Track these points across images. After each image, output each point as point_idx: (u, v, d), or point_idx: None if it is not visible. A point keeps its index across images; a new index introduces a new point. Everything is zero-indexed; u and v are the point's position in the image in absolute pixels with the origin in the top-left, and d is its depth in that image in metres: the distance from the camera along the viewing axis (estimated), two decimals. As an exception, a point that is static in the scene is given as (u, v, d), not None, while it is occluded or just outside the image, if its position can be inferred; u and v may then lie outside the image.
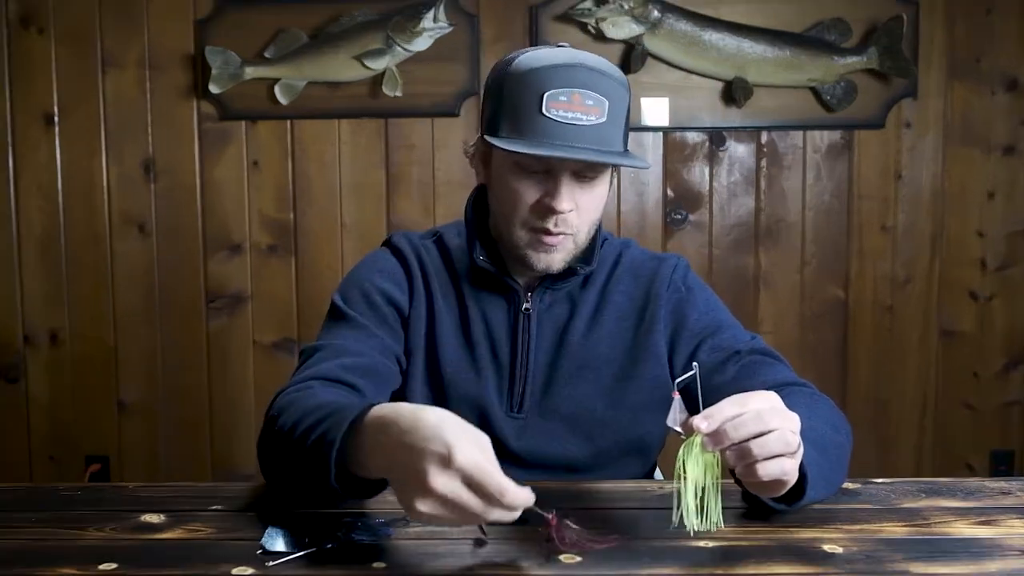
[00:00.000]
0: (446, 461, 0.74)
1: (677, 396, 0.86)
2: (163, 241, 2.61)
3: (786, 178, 2.57)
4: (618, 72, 1.11)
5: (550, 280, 1.17)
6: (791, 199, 2.57)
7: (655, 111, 2.53)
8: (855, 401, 2.61)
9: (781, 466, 0.81)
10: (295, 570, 0.83)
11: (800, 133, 2.56)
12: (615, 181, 2.57)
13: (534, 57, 1.09)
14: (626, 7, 2.44)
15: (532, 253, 1.12)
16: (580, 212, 1.11)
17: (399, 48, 2.46)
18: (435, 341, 1.18)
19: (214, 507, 1.00)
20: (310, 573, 0.83)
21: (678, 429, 0.85)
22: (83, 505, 1.02)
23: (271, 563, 0.84)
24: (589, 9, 2.45)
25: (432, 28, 2.43)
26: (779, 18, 2.50)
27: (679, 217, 2.57)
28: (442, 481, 0.74)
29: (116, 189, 2.60)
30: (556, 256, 1.12)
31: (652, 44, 2.47)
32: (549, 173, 1.08)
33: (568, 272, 1.17)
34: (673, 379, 1.17)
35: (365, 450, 0.83)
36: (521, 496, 0.75)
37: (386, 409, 0.83)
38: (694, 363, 0.91)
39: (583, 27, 2.48)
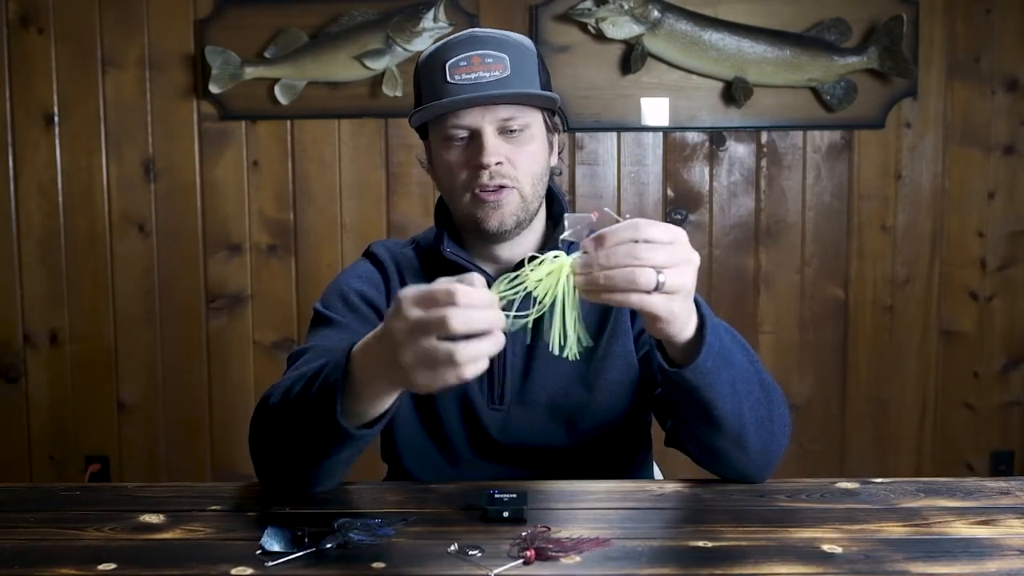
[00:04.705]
0: (396, 310, 0.80)
1: (594, 216, 0.83)
2: (163, 241, 2.60)
3: (786, 178, 2.57)
4: (518, 35, 1.17)
5: (519, 268, 1.18)
6: (791, 199, 2.57)
7: (655, 111, 2.53)
8: (855, 401, 2.61)
9: (641, 301, 0.83)
10: (294, 570, 0.83)
11: (800, 133, 2.55)
12: (615, 170, 2.60)
13: (435, 44, 1.17)
14: (626, 7, 2.44)
15: (480, 215, 1.14)
16: (516, 165, 1.13)
17: (399, 48, 2.46)
18: None
19: (213, 507, 1.00)
20: (309, 573, 0.83)
21: (568, 238, 0.86)
22: (83, 505, 1.02)
23: (270, 563, 0.84)
24: (589, 9, 2.45)
25: (432, 28, 2.43)
26: (779, 18, 2.50)
27: (679, 217, 2.57)
28: (398, 321, 0.79)
29: (116, 189, 2.60)
30: (505, 212, 1.14)
31: (652, 44, 2.47)
32: (474, 137, 1.13)
33: (533, 258, 1.17)
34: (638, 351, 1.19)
35: (358, 373, 0.88)
36: (468, 283, 0.78)
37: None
38: (627, 215, 0.91)
39: (583, 27, 2.48)
